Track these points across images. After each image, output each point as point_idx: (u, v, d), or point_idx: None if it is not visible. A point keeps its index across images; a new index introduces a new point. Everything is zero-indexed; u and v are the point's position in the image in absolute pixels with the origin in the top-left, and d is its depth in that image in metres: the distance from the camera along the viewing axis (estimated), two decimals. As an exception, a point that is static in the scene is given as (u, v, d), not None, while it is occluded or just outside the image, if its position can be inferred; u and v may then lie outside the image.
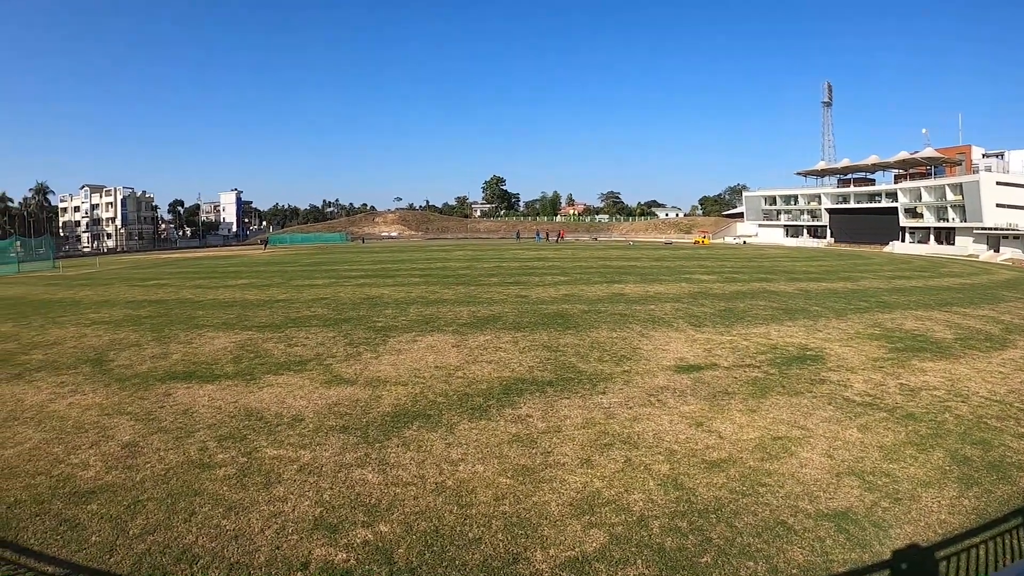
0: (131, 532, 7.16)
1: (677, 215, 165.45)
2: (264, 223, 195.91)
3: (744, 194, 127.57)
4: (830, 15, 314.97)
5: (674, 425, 10.36)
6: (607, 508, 7.52)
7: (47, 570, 6.43)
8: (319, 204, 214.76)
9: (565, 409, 11.28)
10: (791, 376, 13.35)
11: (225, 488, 8.28)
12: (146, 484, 8.46)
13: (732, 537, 6.80)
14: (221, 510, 7.66)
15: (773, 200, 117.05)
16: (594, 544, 6.71)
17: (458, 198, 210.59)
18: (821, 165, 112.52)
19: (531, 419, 10.77)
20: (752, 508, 7.45)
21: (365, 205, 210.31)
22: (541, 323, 20.00)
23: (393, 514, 7.48)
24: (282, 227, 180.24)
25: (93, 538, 7.05)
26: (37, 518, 7.59)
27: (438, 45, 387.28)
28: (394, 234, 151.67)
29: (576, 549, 6.62)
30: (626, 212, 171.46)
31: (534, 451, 9.37)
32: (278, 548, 6.76)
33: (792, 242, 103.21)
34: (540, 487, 8.16)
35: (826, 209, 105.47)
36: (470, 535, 6.96)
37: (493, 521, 7.26)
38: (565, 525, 7.14)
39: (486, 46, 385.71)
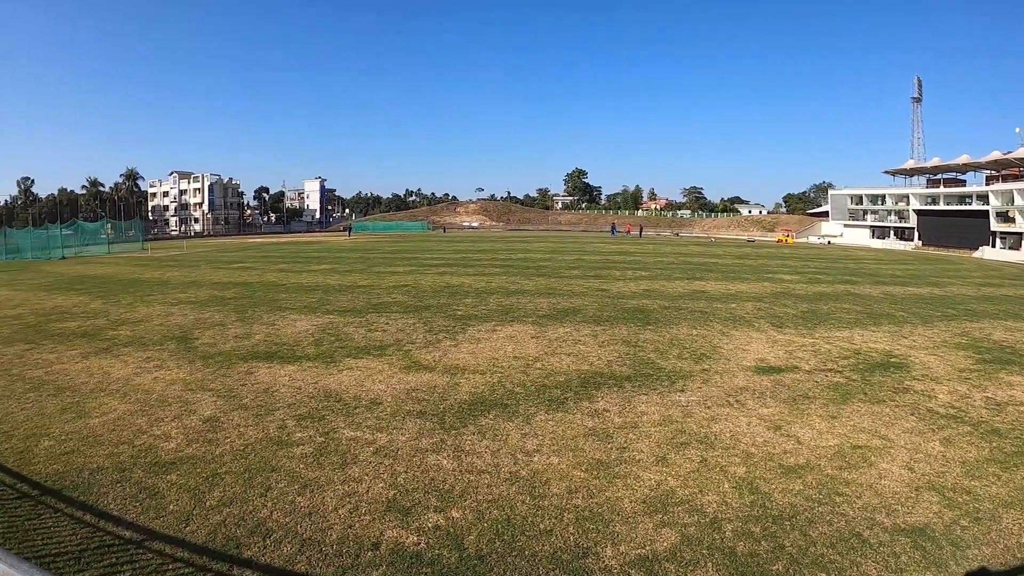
0: (208, 503, 7.51)
1: (760, 212, 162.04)
2: (347, 210, 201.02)
3: (830, 192, 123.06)
4: (921, 7, 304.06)
5: (752, 427, 10.17)
6: (680, 508, 7.45)
7: (125, 534, 6.81)
8: (401, 193, 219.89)
9: (643, 405, 11.21)
10: (874, 383, 12.88)
11: (301, 466, 8.58)
12: (225, 458, 8.86)
13: (805, 546, 6.63)
14: (296, 487, 7.94)
15: (859, 199, 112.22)
16: (665, 544, 6.66)
17: (539, 190, 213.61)
18: (910, 164, 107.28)
19: (608, 414, 10.75)
20: (827, 517, 7.25)
21: (447, 195, 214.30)
22: (621, 317, 19.91)
23: (466, 501, 7.61)
24: (364, 215, 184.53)
25: (171, 507, 7.43)
26: (118, 485, 8.05)
27: (522, 36, 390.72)
28: (475, 224, 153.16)
29: (647, 548, 6.59)
30: (708, 208, 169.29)
31: (610, 446, 9.36)
32: (350, 527, 6.96)
33: (878, 244, 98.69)
34: (614, 482, 8.14)
35: (914, 210, 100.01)
36: (541, 526, 7.01)
37: (565, 514, 7.30)
38: (637, 522, 7.11)
39: (569, 35, 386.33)
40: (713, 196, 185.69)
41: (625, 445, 9.38)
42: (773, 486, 8.06)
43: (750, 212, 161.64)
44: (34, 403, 11.60)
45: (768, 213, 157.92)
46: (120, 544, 6.62)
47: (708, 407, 11.14)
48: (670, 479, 8.24)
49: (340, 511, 7.33)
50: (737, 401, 11.51)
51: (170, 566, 6.21)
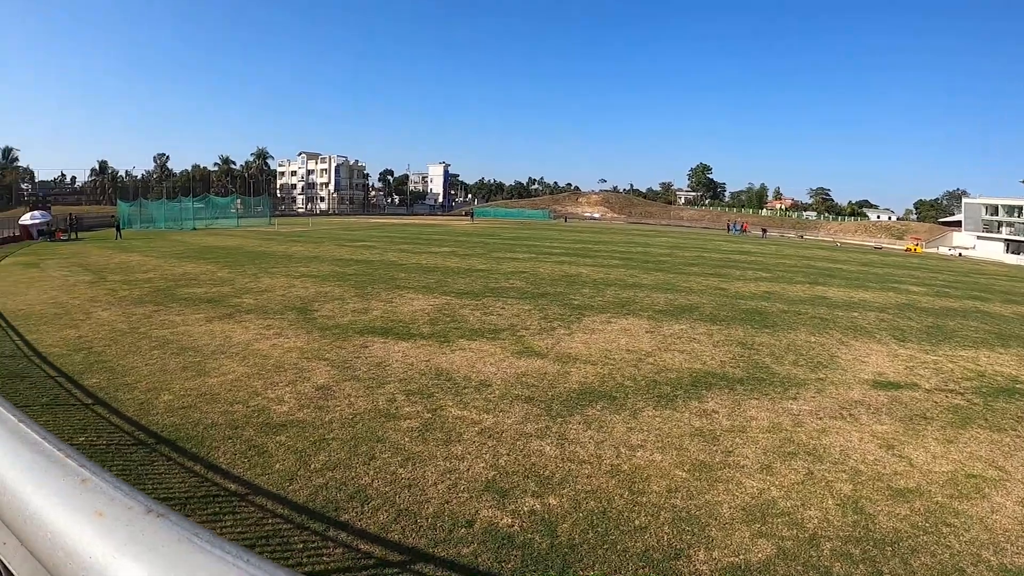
0: (312, 466, 7.81)
1: (889, 218, 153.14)
2: (469, 196, 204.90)
3: (963, 201, 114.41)
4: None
5: (863, 443, 9.65)
6: (780, 520, 7.17)
7: (230, 487, 7.19)
8: (524, 181, 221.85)
9: (753, 410, 10.86)
10: (996, 409, 11.95)
11: (406, 439, 8.79)
12: (333, 425, 9.20)
13: (902, 576, 6.29)
14: (399, 459, 8.14)
15: (995, 210, 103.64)
16: (759, 555, 6.43)
17: (662, 184, 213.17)
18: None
19: (717, 415, 10.48)
20: (931, 548, 6.79)
21: (569, 185, 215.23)
22: (738, 318, 19.37)
23: (564, 489, 7.59)
24: (487, 201, 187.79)
25: (277, 466, 7.78)
26: (229, 441, 8.52)
27: (647, 30, 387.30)
28: (596, 215, 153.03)
29: (740, 556, 6.38)
30: (835, 211, 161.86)
31: (715, 448, 9.12)
32: (447, 503, 7.07)
33: (1013, 259, 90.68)
34: (715, 486, 7.93)
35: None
36: (636, 522, 6.90)
37: (662, 512, 7.16)
38: (734, 529, 6.89)
39: (699, 26, 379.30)
40: (841, 198, 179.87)
41: (731, 449, 9.13)
42: (879, 508, 7.65)
43: (878, 217, 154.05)
44: (158, 360, 12.44)
45: (897, 219, 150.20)
46: (225, 495, 6.99)
47: (820, 418, 10.70)
48: (773, 489, 7.97)
49: (439, 486, 7.46)
50: (851, 415, 11.00)
51: (270, 520, 6.49)
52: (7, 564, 1.07)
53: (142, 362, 12.29)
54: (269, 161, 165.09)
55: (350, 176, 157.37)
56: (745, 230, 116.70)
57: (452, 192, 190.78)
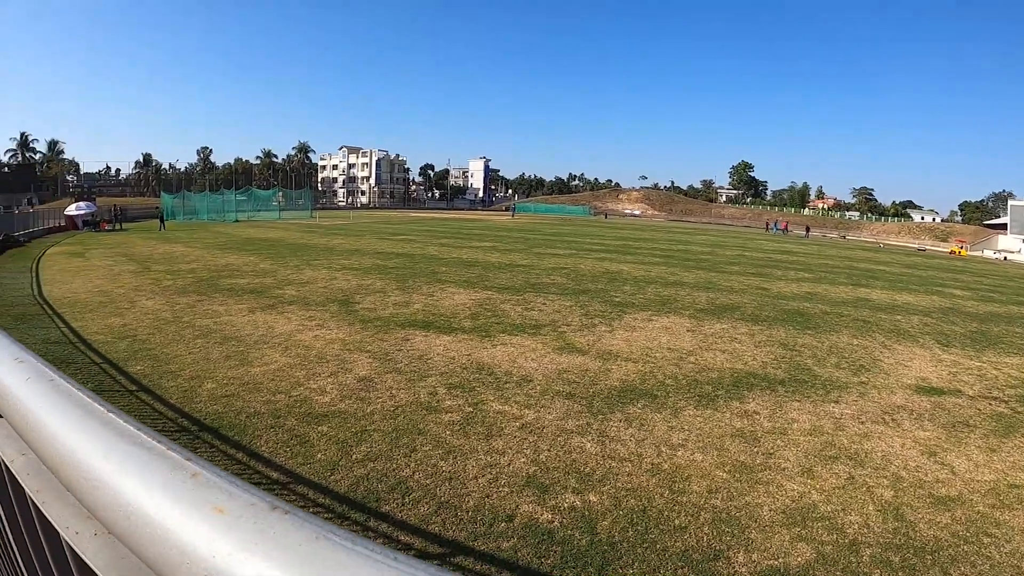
0: (354, 457, 7.86)
1: (933, 219, 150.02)
2: (510, 191, 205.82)
3: (1009, 203, 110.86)
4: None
5: (905, 450, 9.44)
6: (820, 524, 7.04)
7: (272, 475, 7.28)
8: (564, 177, 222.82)
9: (794, 412, 10.69)
10: None
11: (447, 433, 8.80)
12: (375, 416, 9.24)
13: (941, 585, 6.13)
14: (440, 452, 8.15)
15: None
16: (799, 559, 6.32)
17: (703, 181, 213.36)
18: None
19: (758, 416, 10.33)
20: (971, 558, 6.60)
21: (609, 181, 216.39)
22: (779, 319, 19.09)
23: (604, 486, 7.54)
24: (527, 196, 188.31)
25: (319, 455, 7.84)
26: (271, 430, 8.61)
27: (687, 27, 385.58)
28: (636, 212, 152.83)
29: (779, 559, 6.28)
30: (878, 211, 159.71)
31: (756, 450, 8.99)
32: (487, 497, 7.07)
33: None
34: (755, 488, 7.82)
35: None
36: (676, 522, 6.83)
37: (702, 513, 7.07)
38: (773, 532, 6.78)
39: (736, 27, 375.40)
40: (884, 198, 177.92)
41: (771, 451, 9.00)
42: (920, 515, 7.48)
43: (922, 218, 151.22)
44: (201, 348, 12.63)
45: (942, 221, 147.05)
46: (266, 484, 7.07)
47: (862, 422, 10.50)
48: (813, 492, 7.83)
49: (480, 480, 7.45)
50: (893, 420, 10.77)
51: (310, 510, 6.52)
52: (86, 559, 1.05)
53: (186, 351, 12.48)
54: (311, 155, 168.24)
55: (391, 170, 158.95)
56: (785, 229, 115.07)
57: (492, 187, 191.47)
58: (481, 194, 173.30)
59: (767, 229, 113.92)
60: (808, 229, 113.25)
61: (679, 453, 8.70)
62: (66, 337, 13.36)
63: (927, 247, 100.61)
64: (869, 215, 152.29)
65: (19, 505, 1.41)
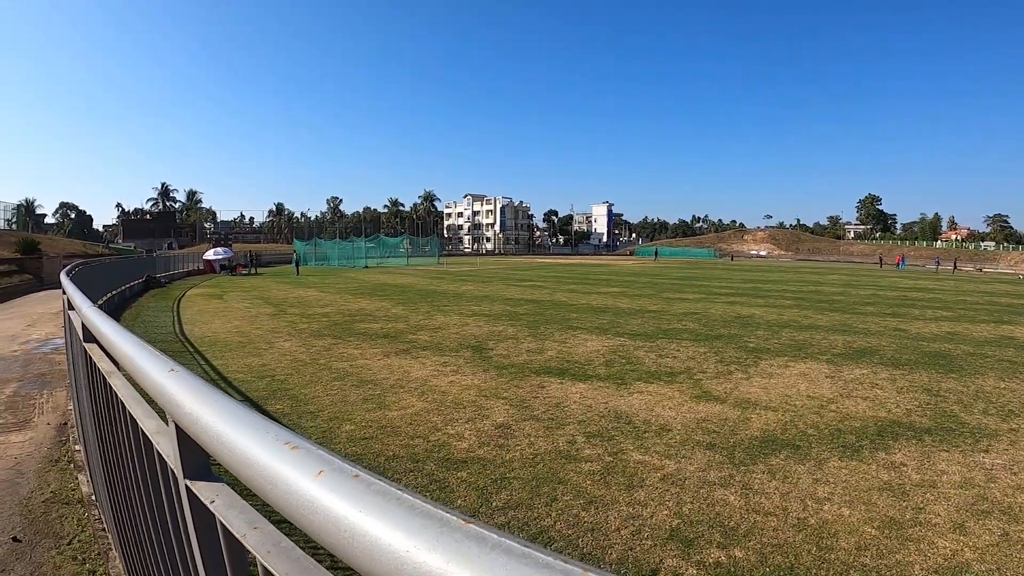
0: (494, 504, 7.91)
1: None
2: (633, 235, 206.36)
3: None
4: None
5: None
6: None
7: (415, 521, 7.38)
8: (688, 219, 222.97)
9: (943, 463, 10.04)
10: None
11: (588, 482, 8.73)
12: (514, 464, 9.29)
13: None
14: (581, 502, 8.09)
15: None
16: None
17: (830, 217, 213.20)
18: None
19: (905, 468, 9.78)
20: None
21: (734, 221, 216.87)
22: (921, 362, 18.07)
23: (750, 541, 7.30)
24: (651, 239, 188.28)
25: (459, 501, 7.94)
26: (411, 474, 8.82)
27: (810, 71, 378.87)
28: (763, 253, 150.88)
29: None
30: (1015, 239, 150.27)
31: (905, 504, 8.50)
32: (630, 549, 6.95)
33: None
34: (906, 545, 7.38)
35: None
36: (824, 580, 6.57)
37: (851, 571, 6.72)
38: None
39: (859, 50, 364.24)
40: (1021, 226, 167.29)
41: (921, 505, 8.50)
42: None
43: None
44: (339, 391, 13.11)
45: None
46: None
47: (1015, 473, 9.77)
48: (966, 550, 7.33)
49: (622, 532, 7.35)
50: None
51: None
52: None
53: (323, 392, 12.99)
54: (436, 203, 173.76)
55: (515, 217, 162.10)
56: (898, 263, 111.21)
57: (616, 231, 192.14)
58: (605, 238, 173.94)
59: (880, 266, 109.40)
60: (956, 262, 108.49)
61: (825, 507, 8.35)
62: (208, 375, 14.14)
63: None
64: (1005, 244, 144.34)
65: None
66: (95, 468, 5.68)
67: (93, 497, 7.02)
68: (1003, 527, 7.99)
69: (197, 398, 1.64)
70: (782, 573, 6.65)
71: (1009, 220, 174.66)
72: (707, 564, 6.73)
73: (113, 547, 5.58)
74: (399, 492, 0.96)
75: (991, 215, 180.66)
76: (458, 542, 0.79)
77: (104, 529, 6.26)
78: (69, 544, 6.40)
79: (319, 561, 1.37)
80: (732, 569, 6.66)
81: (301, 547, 1.43)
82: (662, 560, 6.76)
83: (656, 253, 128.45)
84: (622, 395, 13.35)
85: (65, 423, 10.57)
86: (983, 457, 10.44)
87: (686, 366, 16.42)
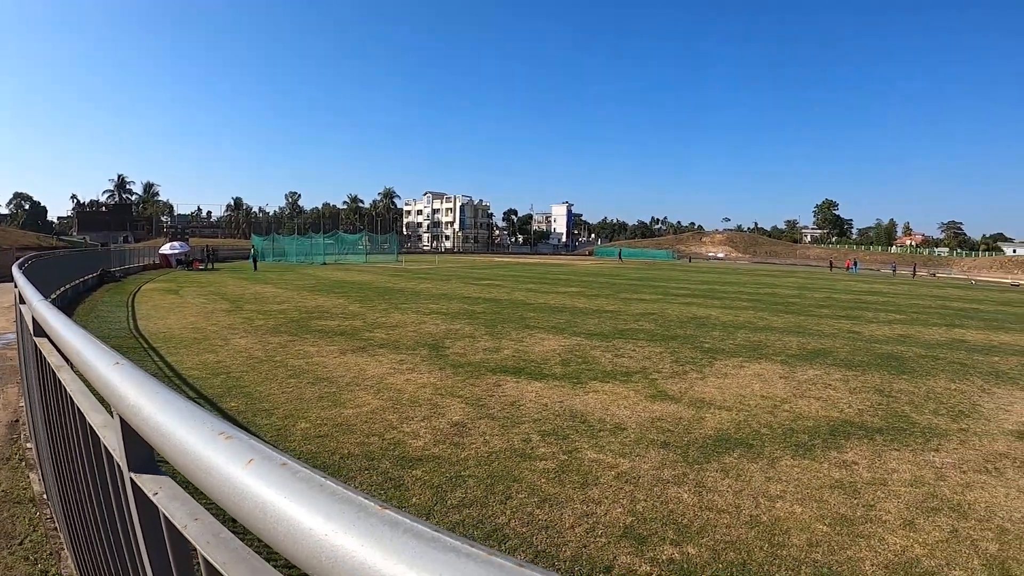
0: (448, 502, 7.93)
1: None
2: (592, 235, 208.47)
3: None
4: None
5: (1010, 500, 8.99)
6: None
7: (368, 519, 7.39)
8: (647, 220, 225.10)
9: (894, 462, 10.31)
10: None
11: (543, 480, 8.79)
12: (469, 462, 9.32)
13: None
14: (536, 500, 8.15)
15: None
16: None
17: (787, 221, 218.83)
18: None
19: (856, 467, 10.01)
20: None
21: (693, 224, 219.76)
22: (873, 363, 18.49)
23: (703, 538, 7.41)
24: (610, 240, 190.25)
25: (413, 499, 7.96)
26: (366, 472, 8.80)
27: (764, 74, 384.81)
28: (720, 255, 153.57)
29: None
30: (968, 245, 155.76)
31: (856, 501, 8.71)
32: (585, 547, 7.01)
33: None
34: (857, 541, 7.56)
35: None
36: (775, 577, 6.71)
37: (803, 567, 6.88)
38: None
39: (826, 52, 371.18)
40: (974, 232, 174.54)
41: (872, 503, 8.72)
42: None
43: (1014, 251, 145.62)
44: (294, 388, 13.05)
45: None
46: (365, 527, 7.17)
47: (963, 471, 10.07)
48: (916, 546, 7.54)
49: (576, 529, 7.41)
50: (996, 468, 10.29)
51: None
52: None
53: (279, 389, 12.91)
54: (396, 200, 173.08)
55: (475, 215, 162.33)
56: (848, 267, 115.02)
57: (575, 232, 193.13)
58: (564, 239, 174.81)
59: (831, 269, 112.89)
60: (915, 267, 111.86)
61: (778, 505, 8.51)
62: (162, 371, 14.00)
63: (1021, 282, 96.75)
64: (958, 250, 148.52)
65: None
66: (46, 466, 5.60)
67: (45, 496, 6.92)
68: (952, 524, 8.20)
69: (140, 390, 1.64)
70: (735, 569, 6.76)
71: (963, 227, 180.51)
72: (660, 561, 6.82)
73: (65, 546, 5.51)
74: (322, 479, 0.99)
75: (945, 222, 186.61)
76: (372, 526, 0.83)
77: (56, 528, 6.18)
78: (20, 544, 6.30)
79: (256, 552, 1.39)
80: (685, 566, 6.76)
81: (240, 537, 1.45)
82: (616, 557, 6.84)
83: (620, 254, 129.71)
84: (578, 394, 13.45)
85: (17, 420, 10.39)
86: (933, 456, 10.70)
87: (642, 366, 16.57)
